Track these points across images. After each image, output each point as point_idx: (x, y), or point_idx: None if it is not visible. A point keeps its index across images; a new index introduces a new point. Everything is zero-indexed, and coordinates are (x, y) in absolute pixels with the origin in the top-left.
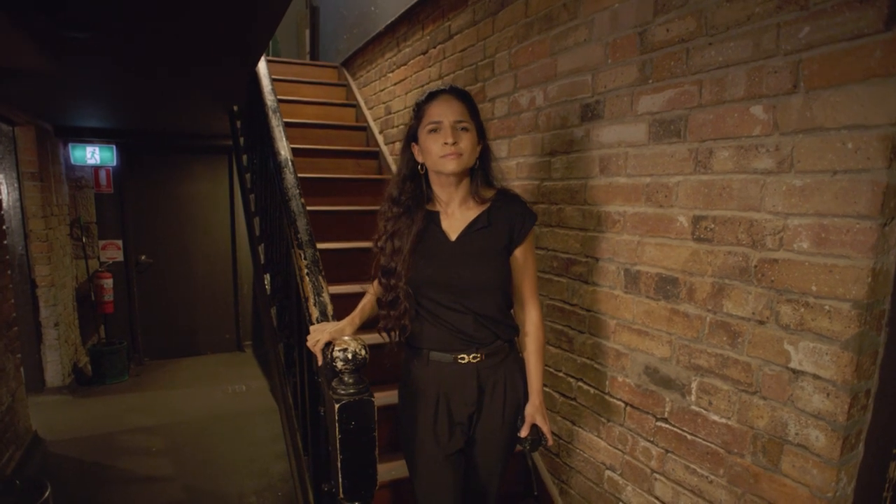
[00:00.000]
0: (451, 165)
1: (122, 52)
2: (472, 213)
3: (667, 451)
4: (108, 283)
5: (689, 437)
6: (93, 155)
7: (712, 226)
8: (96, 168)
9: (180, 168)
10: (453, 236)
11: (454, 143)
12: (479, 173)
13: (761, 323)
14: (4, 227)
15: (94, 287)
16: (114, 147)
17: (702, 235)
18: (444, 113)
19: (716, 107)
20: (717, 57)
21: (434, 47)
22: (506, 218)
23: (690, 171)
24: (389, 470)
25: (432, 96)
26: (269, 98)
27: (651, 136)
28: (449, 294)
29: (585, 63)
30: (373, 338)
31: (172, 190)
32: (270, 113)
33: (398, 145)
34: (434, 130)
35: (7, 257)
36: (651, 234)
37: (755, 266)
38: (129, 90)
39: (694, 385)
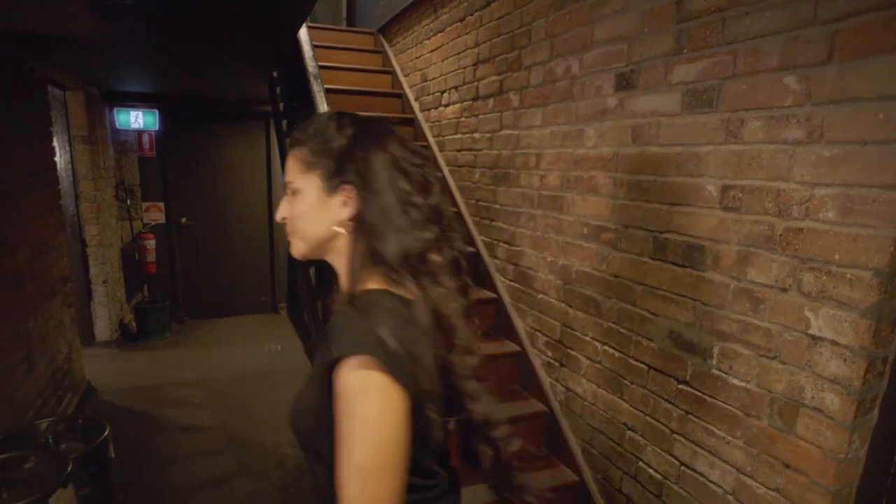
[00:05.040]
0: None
1: (166, 18)
2: None
3: (687, 413)
4: (151, 244)
5: (708, 399)
6: (136, 119)
7: (740, 195)
8: (140, 132)
9: (220, 133)
10: None
11: (282, 219)
12: (359, 250)
13: (784, 290)
14: (59, 188)
15: (137, 248)
16: (156, 112)
17: (729, 204)
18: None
19: (749, 77)
20: (753, 27)
21: (471, 14)
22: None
23: (721, 141)
24: None
25: None
26: (311, 64)
27: (684, 106)
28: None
29: (622, 32)
30: None
31: (212, 154)
32: (312, 79)
33: (434, 112)
34: None
35: (61, 217)
36: (680, 203)
37: (780, 235)
38: (171, 56)
39: (716, 350)
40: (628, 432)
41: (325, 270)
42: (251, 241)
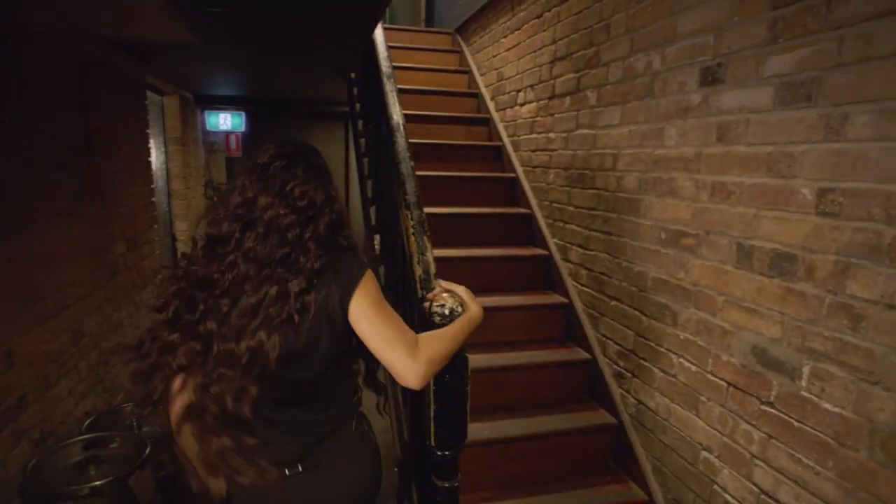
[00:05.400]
0: None
1: (251, 24)
2: None
3: (770, 437)
4: None
5: (795, 424)
6: (225, 121)
7: (840, 199)
8: (227, 133)
9: (301, 133)
10: None
11: None
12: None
13: (891, 308)
14: (153, 186)
15: None
16: (243, 114)
17: (827, 209)
18: None
19: (858, 65)
20: (867, 7)
21: (549, 10)
22: None
23: (819, 139)
24: (481, 430)
25: None
26: (385, 65)
27: (776, 101)
28: None
29: (708, 22)
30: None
31: None
32: (385, 79)
33: (509, 112)
34: None
35: (154, 213)
36: (769, 207)
37: (889, 244)
38: (256, 60)
39: (806, 369)
40: (703, 452)
41: (391, 270)
42: None
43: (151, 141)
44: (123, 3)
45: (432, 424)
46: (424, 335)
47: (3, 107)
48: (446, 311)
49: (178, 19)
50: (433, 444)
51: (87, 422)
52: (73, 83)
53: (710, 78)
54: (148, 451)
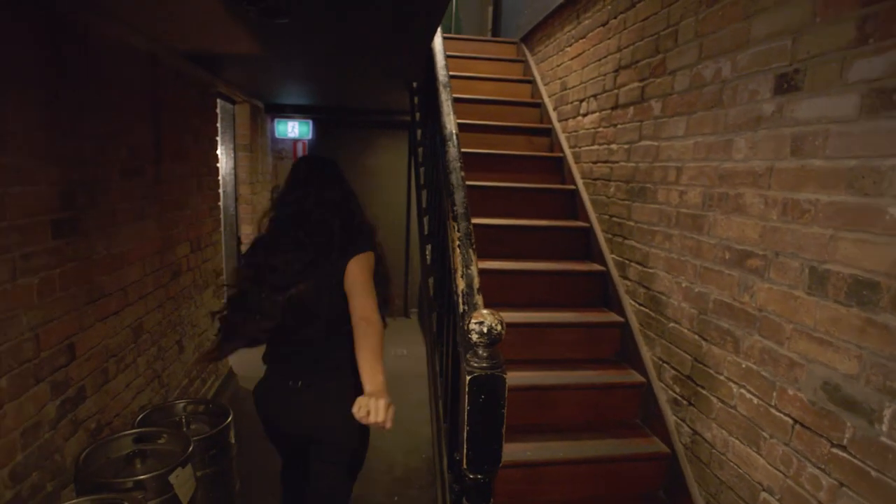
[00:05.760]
0: None
1: (315, 35)
2: None
3: (841, 485)
4: None
5: (873, 473)
6: (293, 129)
7: None
8: (294, 141)
9: (365, 141)
10: None
11: None
12: None
13: None
14: (220, 191)
15: None
16: (310, 122)
17: None
18: None
19: None
20: None
21: (615, 17)
22: None
23: None
24: (524, 450)
25: None
26: (441, 73)
27: (862, 110)
28: None
29: (785, 25)
30: (512, 316)
31: (357, 161)
32: (441, 88)
33: (571, 122)
34: None
35: (219, 216)
36: (849, 228)
37: None
38: (321, 69)
39: (888, 412)
40: (763, 493)
41: (440, 282)
42: (388, 246)
43: (221, 147)
44: (189, 16)
45: (465, 446)
46: (376, 318)
47: (87, 118)
48: (484, 329)
49: (241, 30)
50: (465, 466)
51: (141, 416)
52: (146, 93)
53: (786, 85)
54: (191, 448)
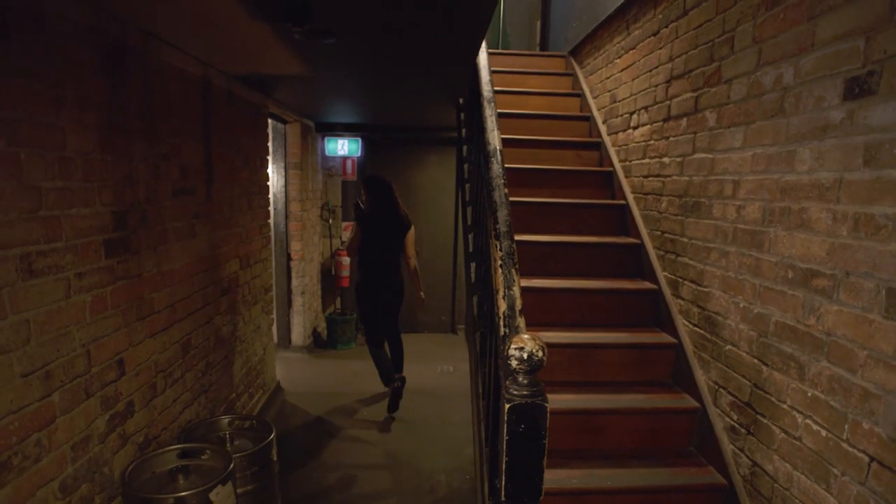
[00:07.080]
0: None
1: (360, 55)
2: None
3: None
4: (346, 260)
5: None
6: (342, 147)
7: None
8: (344, 158)
9: (413, 158)
10: None
11: None
12: None
13: None
14: (271, 209)
15: (334, 263)
16: (359, 140)
17: None
18: None
19: None
20: None
21: (666, 26)
22: None
23: None
24: (570, 477)
25: None
26: (486, 89)
27: None
28: None
29: (857, 24)
30: (559, 336)
31: (405, 178)
32: (485, 103)
33: (621, 136)
34: None
35: (270, 234)
36: None
37: None
38: (368, 88)
39: None
40: None
41: (484, 301)
42: (436, 263)
43: (272, 165)
44: (240, 41)
45: (503, 477)
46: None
47: (141, 140)
48: (525, 356)
49: (290, 53)
50: (503, 497)
51: (187, 430)
52: (197, 114)
53: (858, 90)
54: (232, 465)
